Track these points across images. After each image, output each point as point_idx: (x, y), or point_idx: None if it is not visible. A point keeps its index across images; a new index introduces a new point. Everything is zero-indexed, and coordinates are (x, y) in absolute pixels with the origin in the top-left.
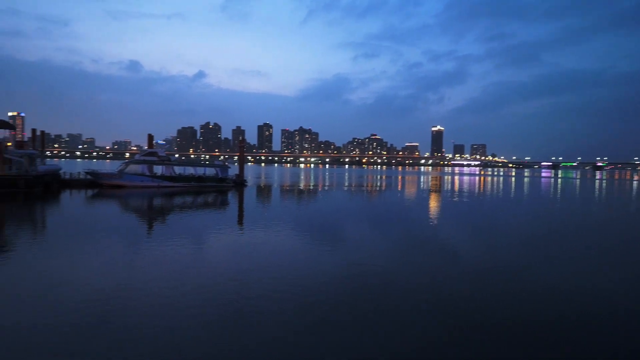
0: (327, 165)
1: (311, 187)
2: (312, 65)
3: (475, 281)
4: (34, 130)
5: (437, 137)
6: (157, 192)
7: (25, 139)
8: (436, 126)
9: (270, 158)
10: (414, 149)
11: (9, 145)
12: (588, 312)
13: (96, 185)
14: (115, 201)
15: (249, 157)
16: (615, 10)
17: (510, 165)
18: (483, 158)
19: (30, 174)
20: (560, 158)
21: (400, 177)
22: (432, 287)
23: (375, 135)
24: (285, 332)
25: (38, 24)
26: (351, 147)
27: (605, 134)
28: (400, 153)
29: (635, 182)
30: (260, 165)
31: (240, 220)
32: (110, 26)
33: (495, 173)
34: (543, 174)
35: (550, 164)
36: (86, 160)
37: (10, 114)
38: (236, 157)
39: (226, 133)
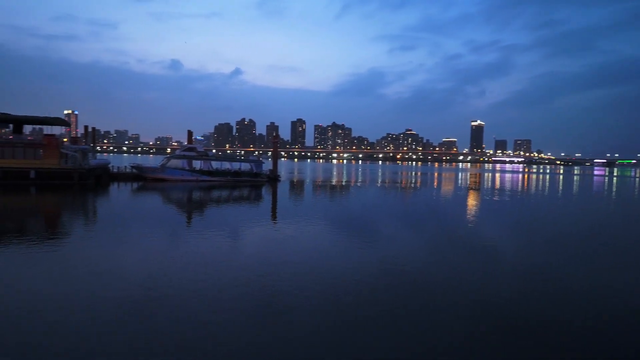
0: (360, 161)
1: (344, 183)
2: (346, 60)
3: (515, 281)
4: (86, 127)
5: (477, 132)
6: (195, 186)
7: (79, 135)
8: (476, 121)
9: (303, 153)
10: (451, 144)
11: (65, 141)
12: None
13: (141, 178)
14: (158, 194)
15: (283, 153)
16: None
17: (559, 162)
18: (527, 154)
19: (83, 168)
20: (617, 155)
21: (436, 173)
22: (469, 286)
23: (411, 130)
24: (315, 329)
25: (90, 28)
26: (385, 142)
27: None
28: (437, 149)
29: None
30: (293, 160)
31: (273, 215)
32: (154, 27)
33: (541, 170)
34: (595, 172)
35: (604, 161)
36: (132, 155)
37: (65, 112)
38: (270, 153)
39: (260, 129)
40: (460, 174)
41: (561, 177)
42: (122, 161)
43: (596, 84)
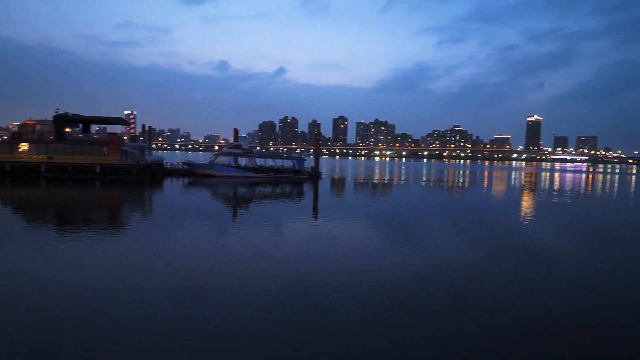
0: (403, 159)
1: (386, 181)
2: (391, 55)
3: (571, 290)
4: (143, 126)
5: (534, 128)
6: (241, 182)
7: (137, 134)
8: (533, 116)
9: (344, 151)
10: (504, 141)
11: (125, 139)
12: None
13: (191, 174)
14: (206, 188)
15: (324, 150)
16: None
17: (631, 161)
18: (592, 152)
19: (141, 164)
20: None
21: (486, 172)
22: (518, 293)
23: (459, 126)
24: (352, 326)
25: (147, 33)
26: (430, 139)
27: None
28: (488, 146)
29: None
30: (335, 158)
31: (315, 212)
32: (204, 30)
33: (609, 170)
34: None
35: None
36: (183, 152)
37: (125, 112)
38: (312, 150)
39: (303, 126)
40: (513, 173)
41: (634, 177)
42: (175, 158)
43: None
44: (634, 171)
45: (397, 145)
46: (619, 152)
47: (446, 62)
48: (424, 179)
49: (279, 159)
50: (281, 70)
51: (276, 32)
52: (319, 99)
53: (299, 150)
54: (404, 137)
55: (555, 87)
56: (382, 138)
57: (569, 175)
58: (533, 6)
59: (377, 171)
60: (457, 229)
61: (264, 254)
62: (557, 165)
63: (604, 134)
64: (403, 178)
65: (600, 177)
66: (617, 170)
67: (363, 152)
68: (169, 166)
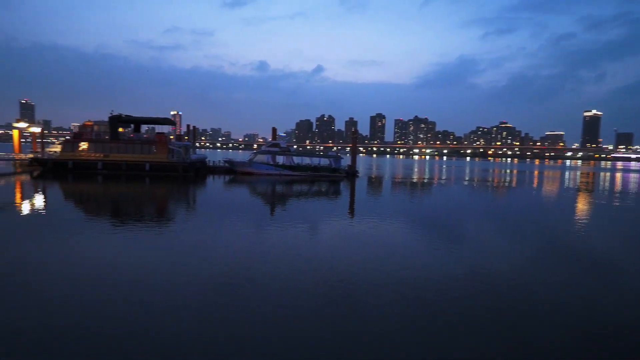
0: (444, 157)
1: (425, 180)
2: (432, 50)
3: (627, 300)
4: (188, 126)
5: (592, 124)
6: (278, 180)
7: (182, 133)
8: (591, 111)
9: (382, 149)
10: (557, 138)
11: (172, 138)
12: None
13: (232, 172)
14: (246, 186)
15: (361, 148)
16: None
17: None
18: None
19: (186, 162)
20: None
21: (536, 171)
22: (565, 299)
23: (506, 123)
24: (387, 328)
25: (192, 37)
26: (474, 137)
27: None
28: (538, 144)
29: None
30: (372, 156)
31: (351, 210)
32: (244, 32)
33: None
34: None
35: None
36: (224, 150)
37: (172, 112)
38: (348, 148)
39: (339, 124)
40: (567, 172)
41: None
42: (216, 156)
43: None
44: None
45: (438, 143)
46: None
47: (492, 55)
48: (467, 178)
49: (316, 157)
50: (319, 69)
51: (314, 30)
52: (356, 97)
53: (335, 148)
54: (446, 134)
55: (618, 79)
56: (421, 136)
57: (633, 176)
58: None
59: (416, 170)
60: (502, 231)
61: (300, 251)
62: (619, 164)
63: None
64: (444, 177)
65: None
66: None
67: (401, 150)
68: (211, 164)
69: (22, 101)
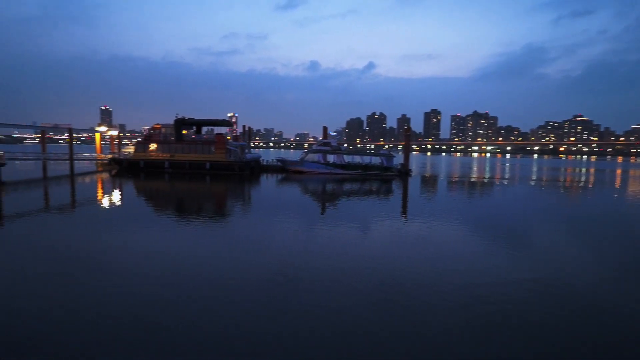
0: (507, 155)
1: (485, 180)
2: (494, 39)
3: None
4: (244, 127)
5: None
6: (329, 178)
7: (238, 134)
8: None
9: (437, 147)
10: None
11: (229, 139)
12: None
13: (284, 170)
14: (297, 184)
15: (414, 146)
16: None
17: None
18: None
19: (242, 161)
20: None
21: (619, 170)
22: None
23: (581, 116)
24: (443, 331)
25: (247, 42)
26: (543, 132)
27: None
28: (622, 139)
29: None
30: (426, 154)
31: (403, 210)
32: (296, 33)
33: None
34: None
35: None
36: (276, 150)
37: (228, 114)
38: (400, 146)
39: (391, 122)
40: None
41: None
42: (269, 155)
43: None
44: None
45: (500, 139)
46: None
47: (565, 42)
48: (534, 177)
49: (367, 156)
50: (370, 66)
51: (366, 27)
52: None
53: (387, 146)
54: (509, 130)
55: None
56: (481, 132)
57: None
58: None
59: (474, 168)
60: (575, 237)
61: (348, 249)
62: None
63: None
64: (507, 176)
65: None
66: None
67: (458, 147)
68: (264, 163)
69: (102, 108)
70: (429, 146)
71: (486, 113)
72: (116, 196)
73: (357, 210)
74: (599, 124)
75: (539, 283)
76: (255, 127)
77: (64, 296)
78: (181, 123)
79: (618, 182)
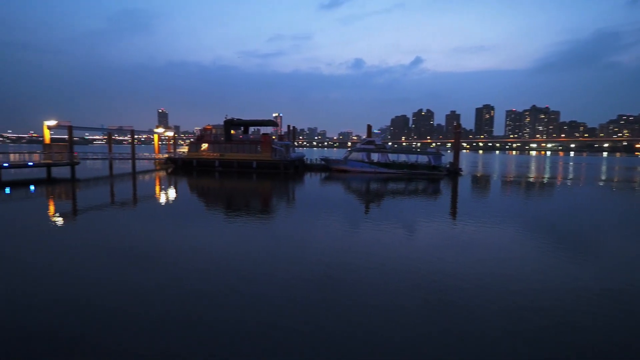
0: (571, 153)
1: (545, 180)
2: (557, 26)
3: None
4: (288, 126)
5: None
6: (373, 177)
7: (283, 133)
8: None
9: (490, 144)
10: None
11: (274, 138)
12: None
13: (327, 169)
14: (341, 183)
15: (464, 144)
16: None
17: None
18: None
19: (287, 160)
20: None
21: None
22: None
23: None
24: (494, 334)
25: (292, 42)
26: (614, 127)
27: None
28: None
29: None
30: (478, 152)
31: (452, 211)
32: (340, 31)
33: None
34: None
35: None
36: (319, 148)
37: (273, 114)
38: (449, 144)
39: (439, 119)
40: None
41: None
42: (313, 154)
43: None
44: None
45: (563, 136)
46: None
47: None
48: (603, 178)
49: (413, 154)
50: (417, 61)
51: (413, 21)
52: (460, 88)
53: (434, 144)
54: (573, 125)
55: None
56: (540, 128)
57: None
58: None
59: (532, 168)
60: None
61: (391, 250)
62: None
63: None
64: (570, 177)
65: None
66: None
67: (514, 145)
68: (308, 162)
69: (159, 110)
70: (480, 144)
71: (546, 107)
72: (171, 193)
73: (403, 209)
74: None
75: (601, 290)
76: (299, 127)
77: (107, 288)
78: (230, 124)
79: None
